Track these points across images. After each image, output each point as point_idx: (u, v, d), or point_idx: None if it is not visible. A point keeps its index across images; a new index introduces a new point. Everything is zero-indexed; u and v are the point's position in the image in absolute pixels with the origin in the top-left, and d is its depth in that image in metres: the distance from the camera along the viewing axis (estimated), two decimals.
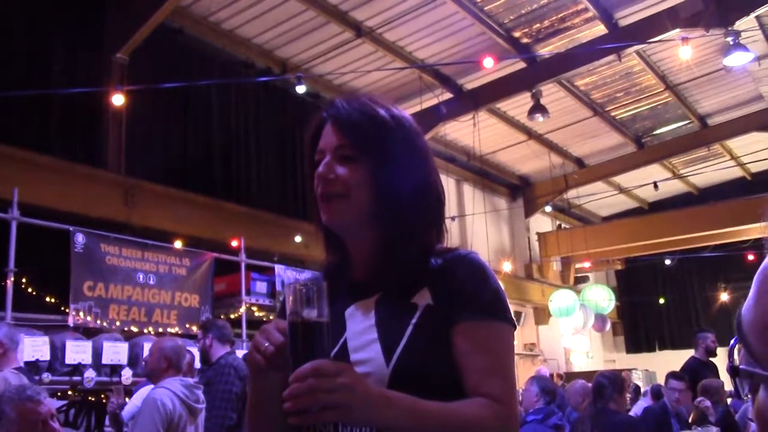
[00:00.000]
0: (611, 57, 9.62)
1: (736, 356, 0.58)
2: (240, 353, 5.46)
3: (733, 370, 0.55)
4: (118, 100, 6.92)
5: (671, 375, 5.35)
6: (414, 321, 1.14)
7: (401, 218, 1.19)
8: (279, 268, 7.36)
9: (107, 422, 5.30)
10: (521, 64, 10.15)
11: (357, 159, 1.18)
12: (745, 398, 0.57)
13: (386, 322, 1.16)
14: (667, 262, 14.75)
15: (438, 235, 1.25)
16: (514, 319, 1.19)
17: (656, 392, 6.01)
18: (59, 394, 5.22)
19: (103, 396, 5.42)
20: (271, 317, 7.62)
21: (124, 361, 5.48)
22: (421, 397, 1.04)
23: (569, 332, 13.29)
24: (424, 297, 1.16)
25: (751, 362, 0.53)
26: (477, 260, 1.20)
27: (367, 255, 1.23)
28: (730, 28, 8.42)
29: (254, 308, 7.41)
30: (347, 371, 0.98)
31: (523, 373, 11.39)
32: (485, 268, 1.19)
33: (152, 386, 3.75)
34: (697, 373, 5.59)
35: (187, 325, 6.34)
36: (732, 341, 0.59)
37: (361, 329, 1.18)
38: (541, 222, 15.30)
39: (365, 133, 1.19)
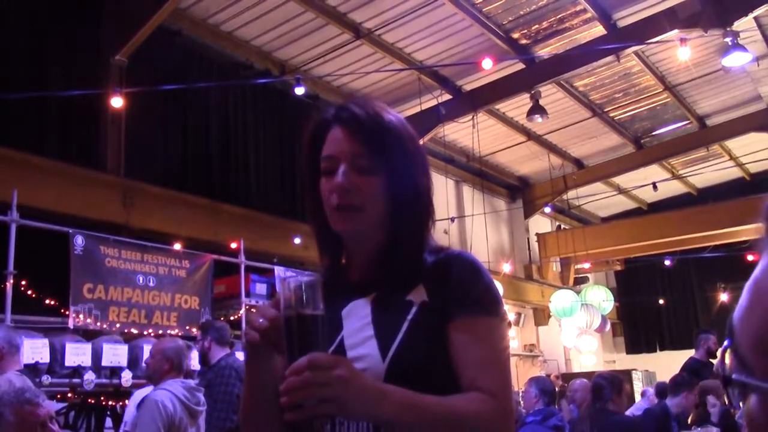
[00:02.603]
0: (610, 58, 9.62)
1: (726, 361, 0.58)
2: (239, 355, 5.45)
3: (725, 380, 0.55)
4: (116, 102, 6.92)
5: (688, 382, 5.24)
6: (410, 317, 1.16)
7: (406, 223, 1.21)
8: (278, 270, 7.36)
9: (107, 424, 5.31)
10: (520, 65, 10.15)
11: (374, 170, 1.18)
12: (737, 409, 0.57)
13: (382, 319, 1.18)
14: (667, 262, 14.71)
15: (429, 232, 1.27)
16: (509, 316, 1.20)
17: (661, 391, 5.99)
18: (59, 396, 5.21)
19: (102, 398, 5.41)
20: None
21: (124, 363, 5.46)
22: (417, 392, 1.04)
23: (574, 333, 13.24)
24: (419, 294, 1.18)
25: (742, 370, 0.53)
26: (470, 258, 1.22)
27: (368, 257, 1.24)
28: (728, 29, 8.41)
29: (254, 310, 7.40)
30: (343, 364, 0.99)
31: (523, 373, 11.38)
32: (478, 265, 1.21)
33: (151, 388, 3.74)
34: (697, 373, 5.60)
35: (187, 327, 6.33)
36: (724, 344, 0.59)
37: (357, 327, 1.19)
38: (541, 223, 15.29)
39: (383, 143, 1.19)
